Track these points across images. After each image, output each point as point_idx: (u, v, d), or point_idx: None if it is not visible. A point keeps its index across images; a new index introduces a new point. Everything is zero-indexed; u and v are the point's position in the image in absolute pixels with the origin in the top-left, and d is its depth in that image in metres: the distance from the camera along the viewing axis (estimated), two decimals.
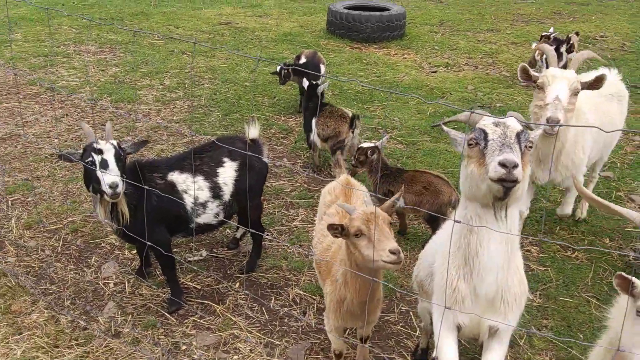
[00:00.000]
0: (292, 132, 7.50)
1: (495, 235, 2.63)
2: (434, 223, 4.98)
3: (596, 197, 3.83)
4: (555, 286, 4.77)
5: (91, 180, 3.90)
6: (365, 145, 5.34)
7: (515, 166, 2.36)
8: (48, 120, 7.68)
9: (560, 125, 3.69)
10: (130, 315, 4.31)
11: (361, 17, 11.29)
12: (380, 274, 3.12)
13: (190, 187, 4.23)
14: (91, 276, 4.74)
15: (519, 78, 4.51)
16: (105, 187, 3.78)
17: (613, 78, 5.40)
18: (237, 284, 4.70)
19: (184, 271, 4.82)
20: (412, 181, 5.11)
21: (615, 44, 11.55)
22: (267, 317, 4.38)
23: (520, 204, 3.04)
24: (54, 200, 5.80)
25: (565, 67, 9.21)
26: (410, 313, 4.46)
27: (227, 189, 4.41)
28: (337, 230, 2.97)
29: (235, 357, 3.98)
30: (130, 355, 3.94)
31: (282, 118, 7.92)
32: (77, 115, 7.87)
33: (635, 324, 2.51)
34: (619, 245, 5.31)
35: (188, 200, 4.23)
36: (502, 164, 2.37)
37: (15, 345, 3.96)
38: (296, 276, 4.84)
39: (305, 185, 6.23)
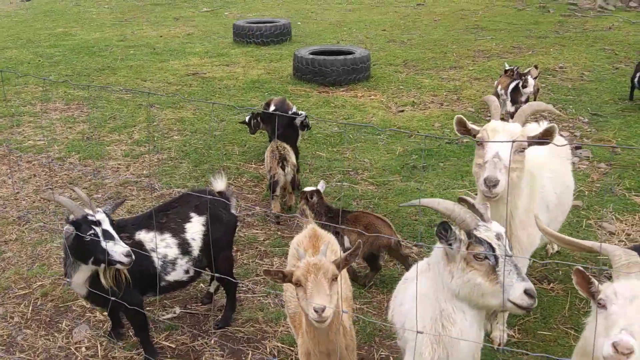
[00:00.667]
0: (264, 179, 7.49)
1: (475, 324, 2.81)
2: (373, 263, 5.27)
3: (559, 235, 3.57)
4: (534, 320, 4.78)
5: (94, 252, 3.77)
6: (306, 189, 5.58)
7: None
8: (15, 182, 7.57)
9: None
10: None
11: (326, 61, 11.49)
12: (332, 325, 2.96)
13: (159, 245, 4.18)
14: (62, 341, 4.61)
15: (456, 132, 3.91)
16: (120, 258, 3.73)
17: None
18: (213, 340, 4.61)
19: (157, 330, 4.72)
20: (355, 222, 5.24)
21: (574, 74, 11.90)
22: None
23: None
24: (23, 264, 5.66)
25: (527, 101, 9.43)
26: (391, 358, 4.41)
27: (196, 244, 4.36)
28: (278, 276, 2.97)
29: None
30: None
31: (253, 166, 7.92)
32: (44, 175, 7.78)
33: (596, 315, 2.51)
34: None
35: (157, 259, 4.17)
36: (530, 295, 2.59)
37: None
38: (273, 328, 4.77)
39: (279, 233, 6.20)
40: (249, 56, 13.99)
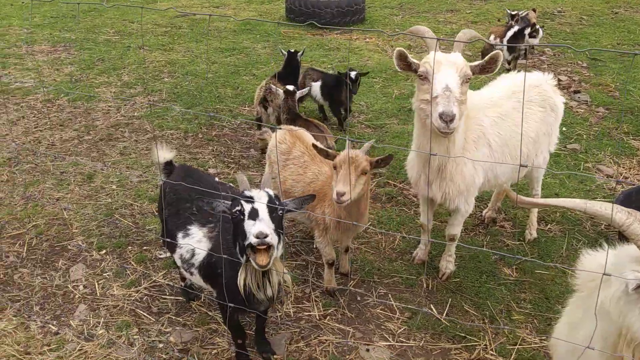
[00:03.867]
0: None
1: None
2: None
3: (537, 200, 3.22)
4: (531, 259, 4.79)
5: (236, 234, 3.05)
6: (289, 87, 6.13)
7: None
8: (4, 123, 7.40)
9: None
10: (103, 317, 4.17)
11: (320, 3, 11.19)
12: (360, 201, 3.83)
13: None
14: (59, 280, 4.57)
15: (397, 67, 3.59)
16: (249, 236, 2.88)
17: (543, 82, 4.56)
18: None
19: (156, 269, 4.69)
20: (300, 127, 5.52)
21: (573, 19, 11.70)
22: None
23: None
24: (15, 205, 5.57)
25: (526, 51, 9.14)
26: (389, 295, 4.42)
27: None
28: (323, 153, 3.87)
29: (214, 351, 3.88)
30: (105, 357, 3.81)
31: (247, 108, 7.78)
32: (33, 117, 7.60)
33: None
34: (590, 215, 5.35)
35: None
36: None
37: None
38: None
39: None
40: None
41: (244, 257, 3.05)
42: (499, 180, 4.35)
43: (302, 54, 7.19)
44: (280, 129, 4.70)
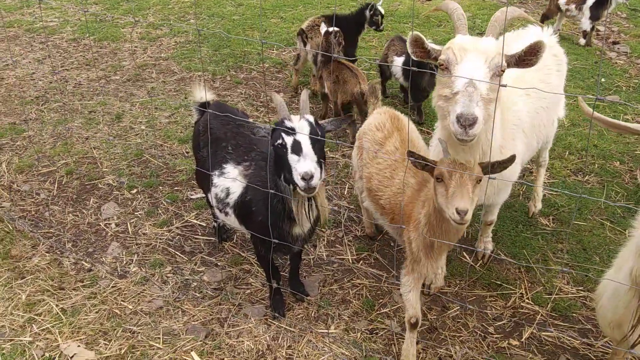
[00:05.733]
0: (287, 65, 7.21)
1: None
2: (345, 111, 5.57)
3: (609, 119, 2.84)
4: (568, 210, 4.68)
5: (282, 167, 2.98)
6: (331, 29, 5.67)
7: None
8: (30, 62, 7.32)
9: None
10: (136, 255, 4.16)
11: None
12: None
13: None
14: (91, 218, 4.56)
15: (412, 55, 2.89)
16: (295, 178, 2.85)
17: (548, 40, 3.94)
18: None
19: (187, 209, 4.66)
20: (334, 70, 5.55)
21: None
22: None
23: None
24: (45, 143, 5.55)
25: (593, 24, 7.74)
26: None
27: None
28: (419, 162, 2.79)
29: (248, 291, 3.87)
30: (139, 294, 3.81)
31: (275, 52, 7.61)
32: (59, 56, 7.51)
33: None
34: (629, 167, 5.21)
35: None
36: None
37: (19, 290, 3.81)
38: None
39: None
40: None
41: (290, 185, 3.02)
42: (525, 163, 4.05)
43: (371, 10, 6.36)
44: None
